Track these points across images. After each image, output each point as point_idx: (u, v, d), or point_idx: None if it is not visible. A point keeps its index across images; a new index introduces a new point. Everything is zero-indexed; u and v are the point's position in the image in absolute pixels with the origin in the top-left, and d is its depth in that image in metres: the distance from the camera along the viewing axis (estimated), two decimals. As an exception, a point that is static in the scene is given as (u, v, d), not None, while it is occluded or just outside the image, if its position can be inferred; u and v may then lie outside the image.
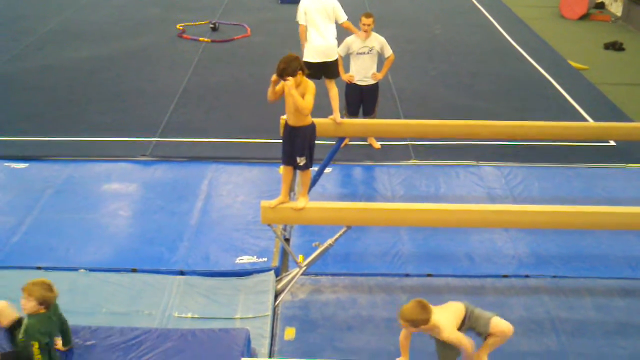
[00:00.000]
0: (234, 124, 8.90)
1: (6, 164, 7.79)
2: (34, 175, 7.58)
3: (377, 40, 7.94)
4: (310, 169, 5.51)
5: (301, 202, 5.46)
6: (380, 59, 8.10)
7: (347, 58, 8.04)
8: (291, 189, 6.91)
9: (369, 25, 7.82)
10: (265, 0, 15.69)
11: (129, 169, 7.84)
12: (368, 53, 7.93)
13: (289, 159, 5.44)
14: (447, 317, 4.52)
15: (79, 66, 11.03)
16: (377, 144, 8.34)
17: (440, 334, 4.48)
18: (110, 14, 14.18)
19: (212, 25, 13.14)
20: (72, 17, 13.90)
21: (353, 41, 7.90)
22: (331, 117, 6.80)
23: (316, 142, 5.44)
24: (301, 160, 5.36)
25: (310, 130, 5.31)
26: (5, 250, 6.22)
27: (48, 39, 12.40)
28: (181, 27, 13.10)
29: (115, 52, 11.75)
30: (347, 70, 8.11)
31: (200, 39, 12.43)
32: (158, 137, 8.49)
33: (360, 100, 8.20)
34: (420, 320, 4.41)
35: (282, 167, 5.58)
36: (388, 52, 8.01)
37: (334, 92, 7.20)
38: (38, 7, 14.60)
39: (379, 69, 8.12)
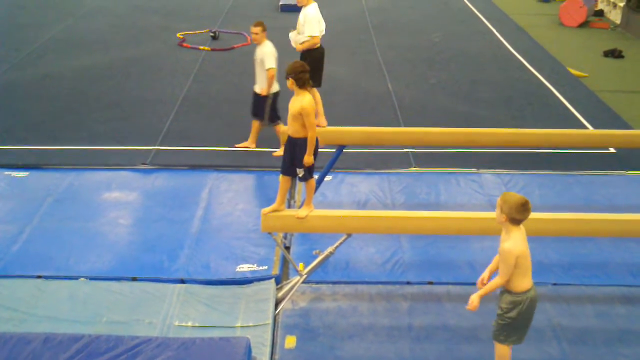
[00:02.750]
0: (234, 132, 8.90)
1: (7, 172, 7.79)
2: (34, 184, 7.58)
3: (261, 51, 7.76)
4: (313, 178, 5.52)
5: (304, 211, 5.47)
6: None
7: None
8: (291, 197, 6.94)
9: (255, 33, 7.70)
10: (266, 9, 15.74)
11: (129, 178, 7.84)
12: (255, 62, 7.85)
13: (287, 169, 5.46)
14: (522, 238, 4.54)
15: (79, 75, 11.05)
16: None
17: (502, 243, 4.52)
18: (110, 23, 14.22)
19: (212, 34, 13.18)
20: (72, 25, 13.93)
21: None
22: (316, 122, 6.86)
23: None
24: (300, 172, 5.38)
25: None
26: (6, 259, 6.21)
27: (49, 48, 12.43)
28: (181, 36, 13.13)
29: (116, 61, 11.78)
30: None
31: (201, 47, 12.46)
32: (158, 146, 8.49)
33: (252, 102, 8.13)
34: (519, 219, 4.49)
35: (281, 175, 5.58)
36: (264, 64, 7.73)
37: (318, 96, 7.25)
38: (39, 16, 14.65)
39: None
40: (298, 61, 5.39)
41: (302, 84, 5.23)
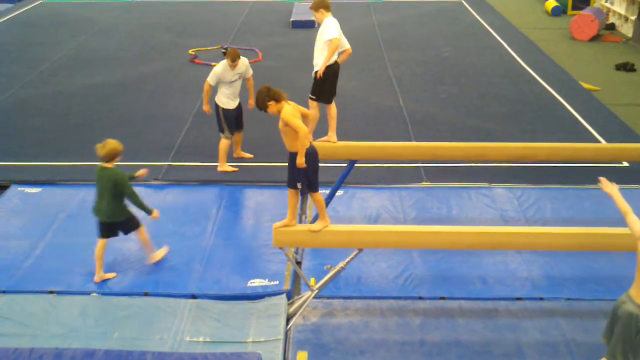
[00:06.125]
0: (245, 147, 8.91)
1: (19, 188, 7.84)
2: (47, 199, 7.63)
3: (244, 64, 8.26)
4: (318, 192, 5.50)
5: (317, 225, 5.47)
6: None
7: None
8: (302, 212, 6.93)
9: (235, 65, 8.12)
10: (277, 25, 15.84)
11: (141, 193, 7.77)
12: (239, 79, 8.24)
13: (290, 183, 5.48)
14: None
15: (91, 92, 11.14)
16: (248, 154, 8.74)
17: None
18: (122, 40, 14.35)
19: (224, 50, 13.04)
20: (85, 43, 14.07)
21: (223, 73, 8.19)
22: (326, 138, 6.87)
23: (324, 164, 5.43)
24: (298, 185, 5.39)
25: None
26: (18, 275, 6.24)
27: (61, 66, 12.55)
28: (193, 53, 13.23)
29: (128, 78, 11.88)
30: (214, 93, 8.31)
31: (212, 64, 12.43)
32: (170, 161, 8.53)
33: (237, 118, 8.37)
34: None
35: (288, 190, 5.59)
36: (249, 73, 8.35)
37: (334, 111, 7.20)
38: (52, 34, 14.81)
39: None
40: (259, 88, 5.36)
41: (278, 99, 5.27)
